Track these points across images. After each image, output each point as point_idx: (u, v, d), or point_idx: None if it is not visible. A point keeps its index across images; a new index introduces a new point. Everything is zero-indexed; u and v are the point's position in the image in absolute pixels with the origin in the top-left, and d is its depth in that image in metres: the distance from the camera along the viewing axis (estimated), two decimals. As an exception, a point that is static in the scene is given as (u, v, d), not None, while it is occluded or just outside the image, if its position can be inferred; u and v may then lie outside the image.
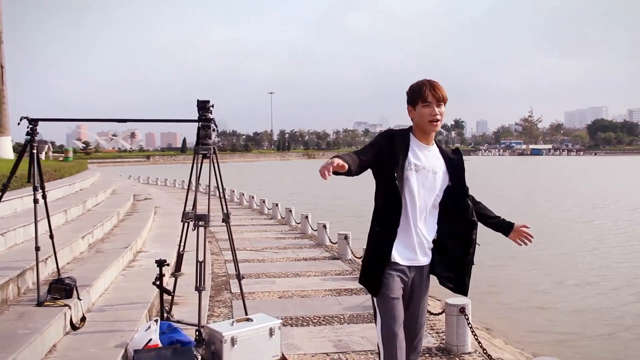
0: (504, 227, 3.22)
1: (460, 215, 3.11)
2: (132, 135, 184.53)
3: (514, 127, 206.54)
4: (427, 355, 5.22)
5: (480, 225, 3.19)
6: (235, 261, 5.56)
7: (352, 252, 9.85)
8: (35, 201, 4.65)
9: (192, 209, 5.30)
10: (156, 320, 4.51)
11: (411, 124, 3.11)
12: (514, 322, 8.33)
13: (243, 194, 21.50)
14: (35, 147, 4.69)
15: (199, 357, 4.49)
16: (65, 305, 4.54)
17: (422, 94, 2.99)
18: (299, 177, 56.26)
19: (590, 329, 8.01)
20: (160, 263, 4.82)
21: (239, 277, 5.55)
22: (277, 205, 16.33)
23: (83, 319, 4.77)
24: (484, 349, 4.96)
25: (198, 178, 5.38)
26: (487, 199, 3.52)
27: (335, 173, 2.70)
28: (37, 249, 4.65)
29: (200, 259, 4.99)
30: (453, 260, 3.12)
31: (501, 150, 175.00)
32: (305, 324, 6.14)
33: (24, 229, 6.48)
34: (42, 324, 4.08)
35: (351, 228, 11.79)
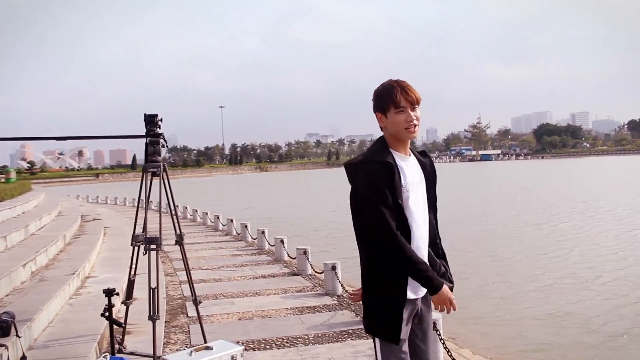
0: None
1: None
2: (80, 153, 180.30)
3: (464, 134, 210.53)
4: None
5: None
6: (192, 285, 5.20)
7: (312, 267, 9.56)
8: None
9: (143, 231, 4.93)
10: (105, 356, 4.11)
11: (378, 133, 2.73)
12: (481, 332, 8.19)
13: (196, 211, 20.96)
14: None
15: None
16: (2, 345, 4.10)
17: (393, 99, 2.60)
18: (252, 191, 55.82)
19: (559, 336, 7.89)
20: (109, 292, 4.43)
21: (195, 302, 5.19)
22: (232, 221, 15.91)
23: (23, 358, 4.33)
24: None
25: (148, 197, 5.00)
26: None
27: None
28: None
29: (153, 285, 4.62)
30: None
31: (452, 157, 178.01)
32: (268, 347, 5.79)
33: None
34: (-26, 369, 3.66)
35: (309, 242, 11.53)
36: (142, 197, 4.91)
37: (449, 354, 4.82)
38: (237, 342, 5.74)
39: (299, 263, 9.78)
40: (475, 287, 10.78)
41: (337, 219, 23.96)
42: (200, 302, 5.38)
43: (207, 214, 19.47)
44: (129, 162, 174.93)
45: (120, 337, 5.23)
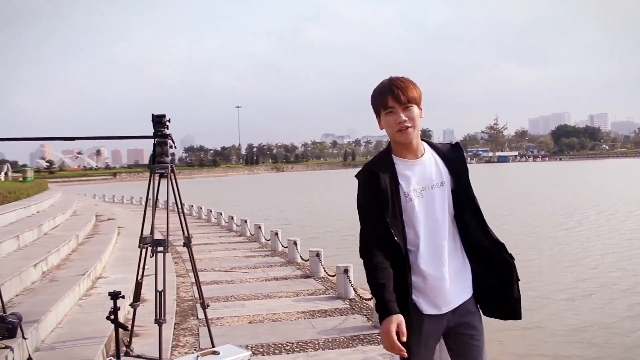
0: None
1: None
2: (98, 152, 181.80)
3: (480, 135, 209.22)
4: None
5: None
6: (199, 288, 5.13)
7: (325, 270, 9.46)
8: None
9: (151, 233, 4.87)
10: (111, 359, 4.05)
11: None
12: (497, 341, 8.00)
13: (211, 211, 20.95)
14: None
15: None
16: (7, 347, 4.06)
17: (382, 100, 2.42)
18: (269, 191, 55.88)
19: (583, 350, 7.54)
20: (115, 295, 4.37)
21: (203, 305, 5.12)
22: (245, 221, 15.86)
23: (29, 360, 4.29)
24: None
25: (155, 198, 4.94)
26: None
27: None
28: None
29: (160, 288, 4.56)
30: None
31: (468, 159, 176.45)
32: (277, 351, 5.71)
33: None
34: (-23, 372, 3.62)
35: (326, 244, 11.42)
36: (150, 199, 4.84)
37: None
38: (246, 346, 5.69)
39: (312, 265, 9.68)
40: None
41: (355, 220, 23.93)
42: (208, 305, 5.31)
43: (221, 214, 19.46)
44: (147, 161, 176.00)
45: (128, 339, 5.18)
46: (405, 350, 2.23)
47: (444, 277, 2.42)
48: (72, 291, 6.24)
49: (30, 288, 6.21)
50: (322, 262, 9.52)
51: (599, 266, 12.74)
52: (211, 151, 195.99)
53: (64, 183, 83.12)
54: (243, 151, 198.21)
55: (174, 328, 6.52)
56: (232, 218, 17.75)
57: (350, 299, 7.78)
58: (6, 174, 26.32)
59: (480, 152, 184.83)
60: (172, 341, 6.00)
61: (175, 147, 4.91)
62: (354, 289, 7.79)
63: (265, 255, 12.19)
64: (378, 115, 2.48)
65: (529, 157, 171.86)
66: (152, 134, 4.73)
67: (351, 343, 5.89)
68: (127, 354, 5.00)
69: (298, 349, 5.75)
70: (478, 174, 77.15)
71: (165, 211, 5.07)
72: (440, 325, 2.46)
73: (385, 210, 2.38)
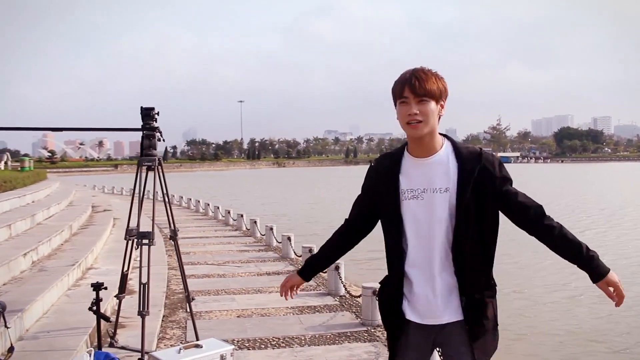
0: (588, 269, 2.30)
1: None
2: (100, 143, 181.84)
3: (483, 135, 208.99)
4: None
5: None
6: (185, 282, 5.13)
7: (317, 266, 9.44)
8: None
9: (137, 226, 4.86)
10: (89, 352, 4.04)
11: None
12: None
13: (208, 204, 20.95)
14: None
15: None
16: (-12, 335, 4.06)
17: (399, 89, 2.26)
18: (269, 186, 55.87)
19: (581, 354, 7.42)
20: (97, 287, 4.37)
21: (188, 298, 5.12)
22: (242, 216, 15.87)
23: (11, 349, 4.27)
24: None
25: (142, 191, 4.93)
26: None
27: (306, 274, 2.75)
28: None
29: (144, 280, 4.56)
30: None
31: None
32: (263, 346, 5.71)
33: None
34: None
35: (318, 240, 11.35)
36: (136, 191, 4.84)
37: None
38: (232, 341, 5.71)
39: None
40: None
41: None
42: (193, 299, 5.32)
43: (218, 208, 19.46)
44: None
45: (113, 330, 5.18)
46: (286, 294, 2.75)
47: (431, 289, 2.31)
48: (61, 281, 6.24)
49: (18, 277, 6.21)
50: (315, 259, 9.50)
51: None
52: (213, 145, 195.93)
53: (65, 173, 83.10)
54: (245, 145, 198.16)
55: (162, 320, 6.52)
56: (229, 212, 17.76)
57: (340, 296, 7.78)
58: (6, 163, 26.38)
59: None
60: (159, 333, 6.01)
61: (163, 140, 4.90)
62: (344, 286, 7.78)
63: (260, 250, 12.19)
64: (395, 105, 2.33)
65: (530, 158, 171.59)
66: (140, 127, 4.72)
67: (338, 340, 5.89)
68: (111, 345, 5.00)
69: (284, 345, 5.75)
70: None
71: (157, 204, 5.06)
72: (427, 337, 2.36)
73: (381, 204, 2.40)
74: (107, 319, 4.83)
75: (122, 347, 4.99)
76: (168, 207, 4.93)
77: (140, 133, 4.82)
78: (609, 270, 2.22)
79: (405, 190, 2.30)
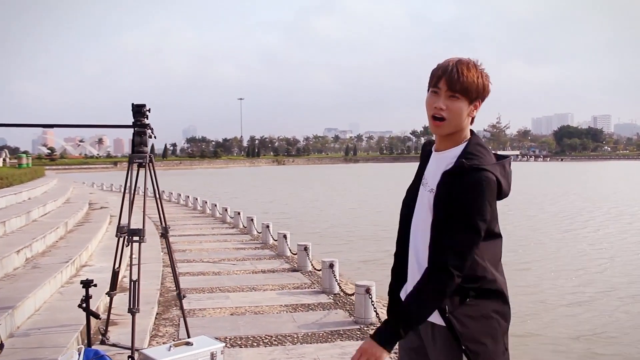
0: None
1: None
2: (100, 141, 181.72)
3: (482, 133, 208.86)
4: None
5: None
6: (176, 279, 5.13)
7: (312, 264, 9.46)
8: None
9: (128, 223, 4.86)
10: (79, 349, 4.04)
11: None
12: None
13: (206, 202, 20.93)
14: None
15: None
16: (-24, 332, 4.06)
17: (435, 76, 2.08)
18: (269, 184, 55.85)
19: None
20: (86, 284, 4.36)
21: (179, 295, 5.12)
22: (239, 213, 15.85)
23: (1, 346, 4.28)
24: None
25: (134, 188, 4.92)
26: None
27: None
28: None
29: (135, 277, 4.56)
30: None
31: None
32: (255, 344, 5.71)
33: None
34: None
35: (314, 238, 11.40)
36: (127, 188, 4.83)
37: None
38: (224, 338, 5.71)
39: (300, 259, 9.68)
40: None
41: (351, 216, 23.89)
42: (184, 296, 5.31)
43: (215, 205, 19.45)
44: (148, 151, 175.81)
45: (104, 328, 5.18)
46: None
47: (409, 284, 2.22)
48: (54, 278, 6.24)
49: (11, 274, 6.21)
50: (310, 257, 9.52)
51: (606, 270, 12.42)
52: (213, 142, 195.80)
53: (64, 170, 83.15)
54: (245, 143, 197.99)
55: (155, 318, 6.51)
56: (226, 210, 17.74)
57: (334, 294, 7.78)
58: (4, 160, 26.33)
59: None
60: (152, 331, 6.01)
61: (155, 137, 4.89)
62: (339, 284, 7.78)
63: (256, 247, 12.19)
64: (428, 89, 2.14)
65: (530, 156, 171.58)
66: (131, 124, 4.71)
67: (330, 338, 5.89)
68: (102, 342, 4.99)
69: (276, 342, 5.75)
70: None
71: (152, 201, 5.06)
72: (413, 337, 2.21)
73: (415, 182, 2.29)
74: (97, 316, 4.83)
75: (113, 345, 4.98)
76: (159, 205, 4.92)
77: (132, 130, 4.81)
78: (372, 336, 2.02)
79: (423, 177, 2.22)
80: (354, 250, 15.04)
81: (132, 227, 4.76)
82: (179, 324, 6.34)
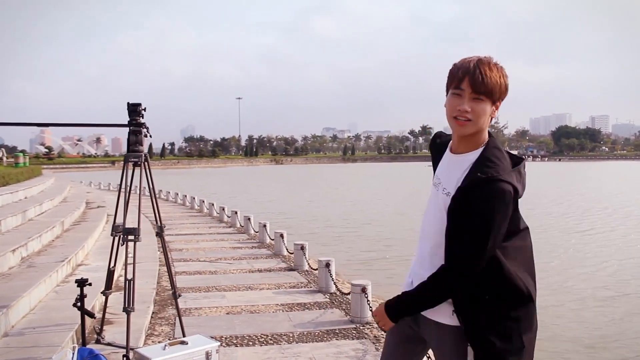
0: None
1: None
2: (98, 140, 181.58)
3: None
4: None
5: None
6: (171, 278, 5.12)
7: (309, 263, 9.46)
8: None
9: (123, 222, 4.84)
10: (73, 348, 4.04)
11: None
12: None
13: (203, 201, 20.93)
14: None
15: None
16: (-30, 331, 4.05)
17: (457, 78, 2.04)
18: (267, 183, 55.80)
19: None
20: (81, 283, 4.36)
21: (174, 294, 5.12)
22: (236, 213, 15.84)
23: (-5, 345, 4.28)
24: None
25: (129, 188, 4.91)
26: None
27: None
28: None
29: (130, 276, 4.55)
30: None
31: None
32: (251, 343, 5.71)
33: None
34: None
35: (312, 237, 11.38)
36: (122, 187, 4.83)
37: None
38: (220, 337, 5.71)
39: (296, 258, 9.68)
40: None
41: (348, 216, 23.89)
42: (180, 295, 5.30)
43: (213, 205, 19.44)
44: (146, 150, 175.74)
45: (100, 327, 5.17)
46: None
47: (414, 268, 2.32)
48: (49, 277, 6.23)
49: (6, 273, 6.19)
50: (307, 256, 9.52)
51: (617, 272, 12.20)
52: (211, 142, 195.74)
53: (62, 170, 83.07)
54: (243, 142, 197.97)
55: (151, 317, 6.52)
56: (224, 209, 17.73)
57: (330, 293, 7.78)
58: (1, 158, 26.27)
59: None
60: (148, 330, 6.01)
61: (150, 136, 4.88)
62: (335, 283, 7.78)
63: (253, 247, 12.18)
64: (447, 91, 2.13)
65: (528, 156, 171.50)
66: (126, 123, 4.70)
67: (326, 337, 5.89)
68: (97, 342, 4.99)
69: (272, 342, 5.75)
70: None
71: (148, 200, 5.04)
72: (408, 328, 2.34)
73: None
74: (91, 315, 4.83)
75: (108, 344, 4.97)
76: (155, 204, 4.91)
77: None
78: (386, 307, 2.29)
79: (435, 177, 2.25)
80: (352, 250, 15.04)
81: (127, 226, 4.75)
82: (174, 323, 6.34)
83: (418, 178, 56.87)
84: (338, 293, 7.66)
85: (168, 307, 7.05)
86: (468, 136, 2.10)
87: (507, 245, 2.10)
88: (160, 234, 5.00)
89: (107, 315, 5.30)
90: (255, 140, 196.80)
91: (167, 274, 8.89)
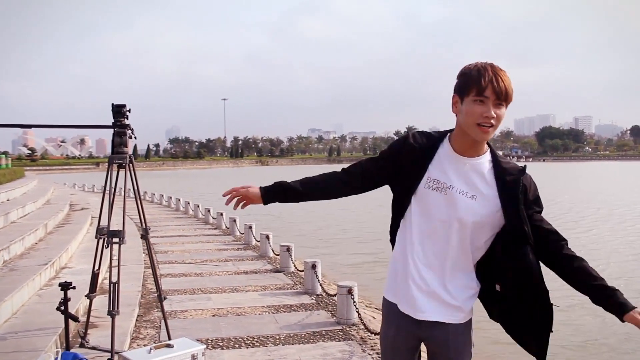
0: (612, 303, 2.17)
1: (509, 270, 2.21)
2: (82, 141, 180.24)
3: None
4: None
5: None
6: (156, 281, 5.09)
7: (295, 265, 9.44)
8: None
9: (107, 224, 4.80)
10: (56, 352, 3.99)
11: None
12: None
13: (188, 203, 20.82)
14: None
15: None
16: (-49, 336, 3.99)
17: (479, 83, 2.07)
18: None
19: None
20: (65, 286, 4.31)
21: (160, 297, 5.08)
22: (221, 214, 15.78)
23: (-23, 350, 4.22)
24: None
25: (114, 190, 4.87)
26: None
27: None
28: None
29: (114, 279, 4.51)
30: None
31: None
32: (237, 345, 5.68)
33: None
34: None
35: (297, 239, 11.34)
36: (107, 189, 4.78)
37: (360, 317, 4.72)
38: (206, 340, 5.67)
39: (282, 260, 9.66)
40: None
41: (336, 220, 23.90)
42: (165, 298, 5.26)
43: (198, 206, 19.35)
44: (130, 151, 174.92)
45: (84, 330, 5.12)
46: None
47: (441, 285, 2.24)
48: (32, 281, 6.15)
49: (-12, 277, 6.11)
50: (292, 257, 9.50)
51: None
52: (196, 143, 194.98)
53: (45, 171, 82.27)
54: (228, 144, 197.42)
55: (136, 320, 6.46)
56: (209, 211, 17.66)
57: (317, 295, 7.76)
58: (-17, 160, 25.97)
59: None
60: (133, 333, 5.95)
61: (135, 137, 4.84)
62: (321, 285, 7.77)
63: (238, 248, 12.14)
64: (461, 96, 2.15)
65: (512, 157, 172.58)
66: (111, 124, 4.66)
67: (312, 339, 5.87)
68: (82, 345, 4.94)
69: (258, 344, 5.72)
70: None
71: (133, 202, 5.00)
72: (414, 330, 2.29)
73: (400, 178, 2.30)
74: (75, 319, 4.77)
75: (93, 348, 4.92)
76: (139, 206, 4.87)
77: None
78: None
79: (432, 180, 2.20)
80: (338, 252, 15.04)
81: (112, 228, 4.71)
82: (160, 325, 6.29)
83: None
84: (324, 295, 7.65)
85: (153, 309, 7.00)
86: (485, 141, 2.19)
87: None
88: (145, 236, 4.95)
89: (91, 319, 5.24)
90: (240, 142, 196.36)
91: (152, 276, 8.84)
